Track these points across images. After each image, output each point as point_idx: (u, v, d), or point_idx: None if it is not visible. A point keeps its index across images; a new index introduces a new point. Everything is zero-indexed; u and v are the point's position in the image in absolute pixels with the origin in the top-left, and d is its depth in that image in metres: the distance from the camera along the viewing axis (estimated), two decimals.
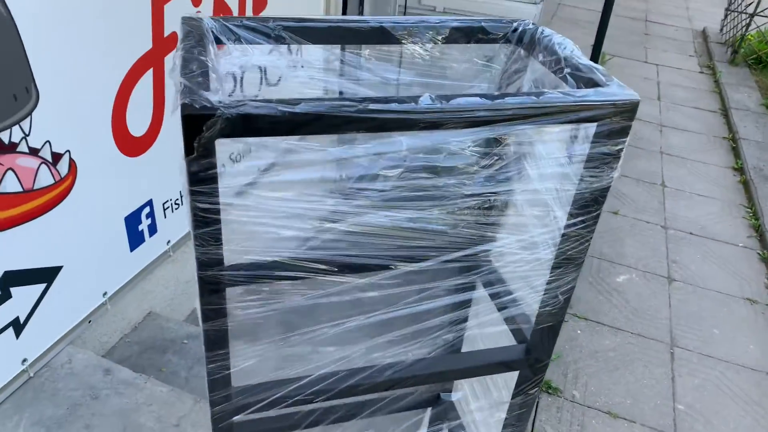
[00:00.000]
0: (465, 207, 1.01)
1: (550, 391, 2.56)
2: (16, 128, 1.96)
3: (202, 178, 0.88)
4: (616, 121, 1.01)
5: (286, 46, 1.21)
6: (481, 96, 0.94)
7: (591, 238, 1.15)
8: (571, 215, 1.11)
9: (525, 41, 1.26)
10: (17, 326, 2.16)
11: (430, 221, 1.00)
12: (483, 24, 1.26)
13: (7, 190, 1.98)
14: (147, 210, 2.66)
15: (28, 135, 2.01)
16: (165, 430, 2.15)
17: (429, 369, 1.27)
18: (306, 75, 1.21)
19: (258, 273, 1.04)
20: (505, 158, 1.01)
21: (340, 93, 1.19)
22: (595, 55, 4.16)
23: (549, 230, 1.11)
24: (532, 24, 1.27)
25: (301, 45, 1.20)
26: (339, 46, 1.27)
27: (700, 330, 3.01)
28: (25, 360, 2.22)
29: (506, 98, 0.95)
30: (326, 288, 1.04)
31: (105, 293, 2.52)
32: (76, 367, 2.33)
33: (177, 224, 2.82)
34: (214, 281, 0.99)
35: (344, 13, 3.56)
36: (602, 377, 2.68)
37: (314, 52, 1.25)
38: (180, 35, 1.08)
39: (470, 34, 1.26)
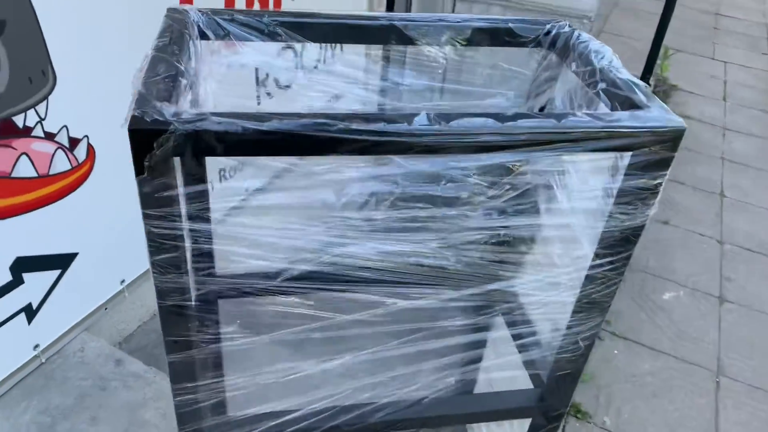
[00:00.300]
0: (469, 242, 0.87)
1: (578, 415, 2.39)
2: (31, 112, 1.90)
3: (157, 200, 0.77)
4: (654, 151, 0.84)
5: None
6: (490, 116, 0.79)
7: (620, 280, 0.99)
8: (597, 255, 0.95)
9: (558, 46, 1.09)
10: (29, 312, 2.13)
11: (427, 256, 0.87)
12: (511, 25, 1.09)
13: (20, 174, 1.93)
14: None
15: (43, 119, 1.95)
16: (171, 427, 2.09)
17: (428, 412, 1.14)
18: (306, 77, 1.08)
19: (228, 304, 0.92)
20: (517, 188, 0.86)
21: (336, 96, 1.06)
22: (655, 50, 3.88)
23: (570, 271, 0.96)
24: (569, 26, 1.10)
25: (303, 43, 1.06)
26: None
27: (751, 358, 2.76)
28: (37, 346, 2.20)
29: (519, 120, 0.79)
30: (307, 322, 0.92)
31: (123, 281, 2.47)
32: (88, 355, 2.30)
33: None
34: (176, 312, 0.88)
35: (390, 8, 3.33)
36: (638, 404, 2.49)
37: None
38: (159, 29, 0.96)
39: (495, 36, 1.10)
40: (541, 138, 0.80)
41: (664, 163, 0.86)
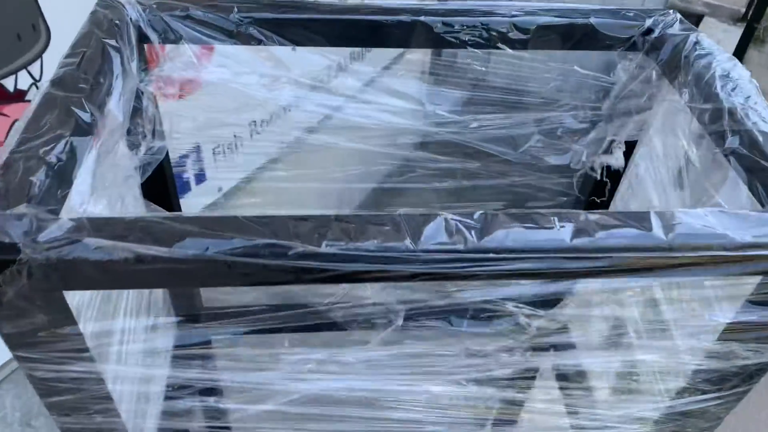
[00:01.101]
0: (498, 378, 0.59)
1: None
2: (22, 73, 1.67)
3: (27, 342, 0.51)
4: None
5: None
6: (541, 224, 0.49)
7: (725, 415, 0.69)
8: (697, 390, 0.65)
9: (663, 57, 0.74)
10: None
11: (437, 395, 0.60)
12: (593, 20, 0.75)
13: None
14: (194, 156, 2.37)
15: (38, 81, 1.71)
16: None
17: None
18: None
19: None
20: (567, 321, 0.56)
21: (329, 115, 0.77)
22: (760, 11, 3.17)
23: (650, 408, 0.67)
24: (680, 23, 0.74)
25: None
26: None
27: None
28: None
29: (599, 234, 0.48)
30: None
31: None
32: None
33: (229, 170, 2.53)
34: None
35: None
36: None
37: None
38: (73, 39, 0.68)
39: (568, 36, 0.76)
40: (628, 264, 0.49)
41: None
